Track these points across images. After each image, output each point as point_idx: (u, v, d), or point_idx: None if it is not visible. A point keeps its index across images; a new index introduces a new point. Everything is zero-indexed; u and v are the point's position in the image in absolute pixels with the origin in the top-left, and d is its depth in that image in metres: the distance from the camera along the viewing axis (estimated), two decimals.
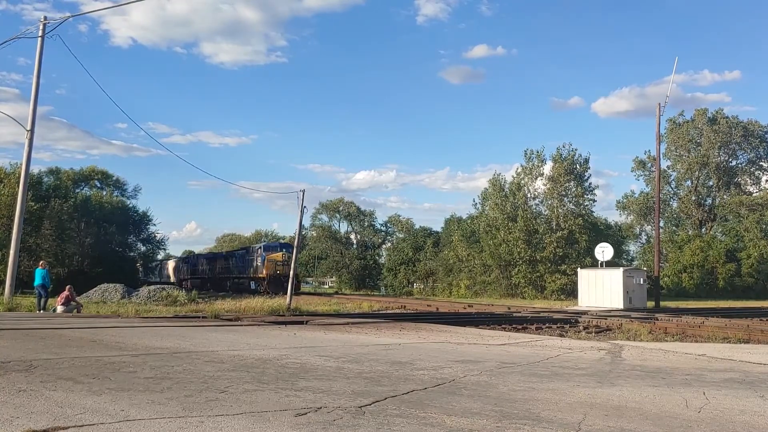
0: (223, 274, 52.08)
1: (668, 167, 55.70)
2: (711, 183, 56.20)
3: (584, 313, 22.03)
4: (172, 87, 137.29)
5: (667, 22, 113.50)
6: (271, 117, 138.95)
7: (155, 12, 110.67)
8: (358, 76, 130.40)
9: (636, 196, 56.39)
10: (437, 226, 68.75)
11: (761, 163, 56.39)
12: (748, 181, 56.74)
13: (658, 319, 18.88)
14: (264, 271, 41.77)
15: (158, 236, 53.61)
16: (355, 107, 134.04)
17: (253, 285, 45.06)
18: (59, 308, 17.83)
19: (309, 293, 45.82)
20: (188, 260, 66.54)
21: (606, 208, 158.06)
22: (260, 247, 45.83)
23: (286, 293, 37.47)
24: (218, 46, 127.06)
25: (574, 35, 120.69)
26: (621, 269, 29.02)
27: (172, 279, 63.19)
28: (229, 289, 47.19)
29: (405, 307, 26.90)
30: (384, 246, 77.29)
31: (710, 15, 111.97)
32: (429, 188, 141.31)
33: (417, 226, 71.39)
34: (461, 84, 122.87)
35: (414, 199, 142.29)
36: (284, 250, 43.63)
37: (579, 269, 31.52)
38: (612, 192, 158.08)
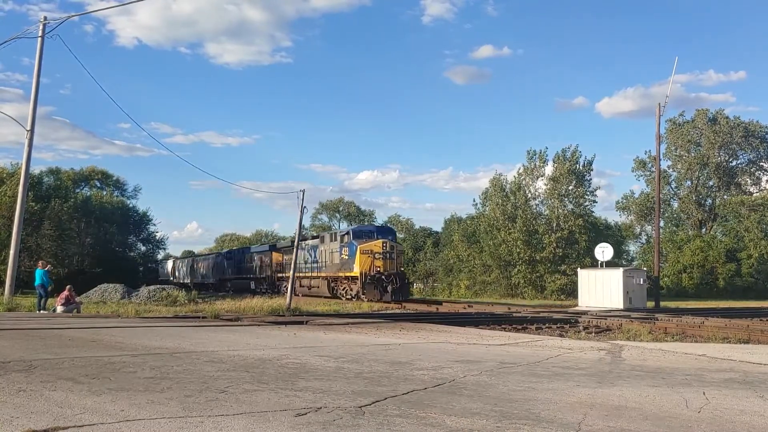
0: (284, 273, 36.72)
1: (668, 167, 55.83)
2: (711, 183, 56.25)
3: (584, 313, 22.03)
4: (175, 87, 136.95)
5: (672, 22, 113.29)
6: (273, 117, 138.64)
7: (161, 12, 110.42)
8: (362, 76, 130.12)
9: (636, 196, 56.51)
10: (438, 227, 68.75)
11: (762, 163, 56.52)
12: (749, 182, 56.87)
13: (658, 319, 18.87)
14: (356, 268, 29.98)
15: (158, 236, 53.84)
16: (359, 107, 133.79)
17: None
18: (59, 308, 17.84)
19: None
20: (231, 256, 49.59)
21: (608, 208, 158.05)
22: (347, 233, 32.32)
23: (392, 301, 28.11)
24: (223, 47, 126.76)
25: (580, 35, 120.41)
26: (621, 269, 28.99)
27: (211, 280, 50.80)
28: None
29: (405, 307, 26.88)
30: None
31: (715, 15, 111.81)
32: (431, 188, 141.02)
33: (417, 226, 71.52)
34: (466, 84, 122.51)
35: (416, 199, 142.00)
36: (382, 236, 31.36)
37: (579, 269, 31.50)
38: (614, 192, 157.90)
